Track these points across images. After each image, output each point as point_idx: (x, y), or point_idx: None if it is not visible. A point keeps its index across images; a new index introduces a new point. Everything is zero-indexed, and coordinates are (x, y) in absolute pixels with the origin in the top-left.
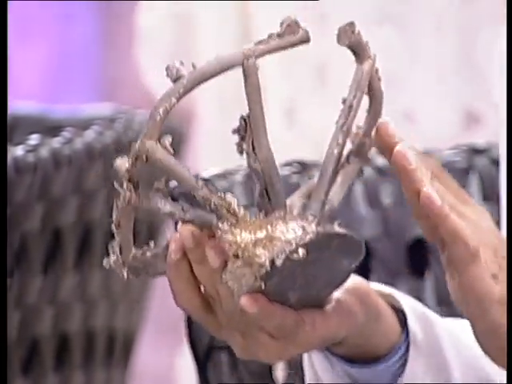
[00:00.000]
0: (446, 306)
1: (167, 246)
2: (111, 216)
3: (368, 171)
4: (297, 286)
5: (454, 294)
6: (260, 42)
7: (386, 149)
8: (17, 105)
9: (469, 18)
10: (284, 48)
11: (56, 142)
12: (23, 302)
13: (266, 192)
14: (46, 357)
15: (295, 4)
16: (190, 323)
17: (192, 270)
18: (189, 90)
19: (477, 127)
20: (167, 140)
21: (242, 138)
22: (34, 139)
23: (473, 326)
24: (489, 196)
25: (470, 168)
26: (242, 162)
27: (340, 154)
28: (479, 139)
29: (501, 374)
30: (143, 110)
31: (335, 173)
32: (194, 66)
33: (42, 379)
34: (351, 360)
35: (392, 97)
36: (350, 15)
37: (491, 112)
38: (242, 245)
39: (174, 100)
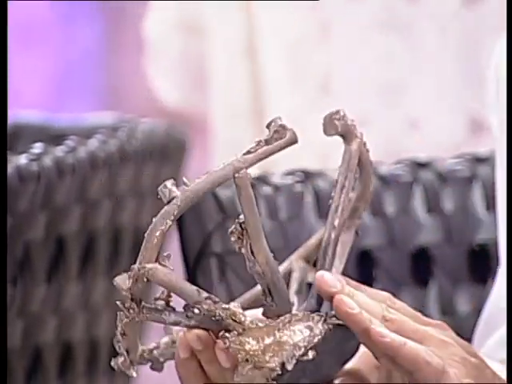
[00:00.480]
0: (450, 316)
1: (173, 341)
2: (115, 225)
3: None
4: (307, 373)
5: None
6: (248, 152)
7: (328, 298)
8: (20, 114)
9: (473, 26)
10: (273, 153)
11: (59, 151)
12: (27, 310)
13: (268, 291)
14: (50, 365)
15: (301, 12)
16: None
17: (201, 365)
18: (183, 209)
19: (481, 134)
20: (166, 259)
21: (239, 240)
22: (37, 148)
23: None
24: (492, 205)
25: (473, 177)
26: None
27: (337, 236)
28: (484, 147)
29: None
30: (149, 118)
31: (334, 255)
32: (185, 184)
33: (45, 379)
34: None
35: (395, 104)
36: (354, 22)
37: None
38: (251, 352)
39: (169, 222)
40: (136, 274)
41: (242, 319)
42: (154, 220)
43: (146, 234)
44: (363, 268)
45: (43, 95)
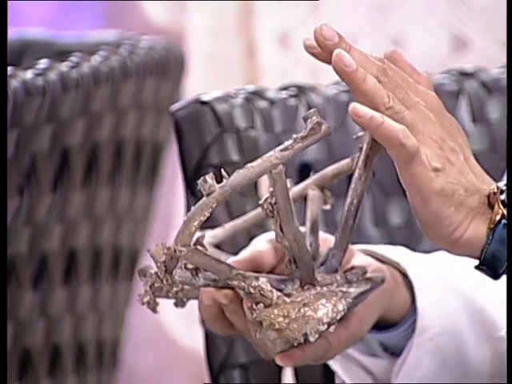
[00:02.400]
0: None
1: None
2: (117, 138)
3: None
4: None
5: (404, 187)
6: (285, 148)
7: (328, 53)
8: (26, 31)
9: None
10: (308, 146)
11: (64, 66)
12: (33, 219)
13: (294, 261)
14: (55, 272)
15: None
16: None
17: (222, 311)
18: (220, 203)
19: (465, 51)
20: (200, 239)
21: (270, 213)
22: (42, 63)
23: (417, 218)
24: (477, 118)
25: (459, 91)
26: (237, 85)
27: (359, 203)
28: (468, 63)
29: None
30: (147, 36)
31: (355, 221)
32: (225, 178)
33: (51, 292)
34: None
35: (380, 23)
36: None
37: (479, 37)
38: (276, 324)
39: (206, 214)
40: (171, 254)
41: (270, 295)
42: (192, 208)
43: (184, 221)
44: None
45: (49, 14)
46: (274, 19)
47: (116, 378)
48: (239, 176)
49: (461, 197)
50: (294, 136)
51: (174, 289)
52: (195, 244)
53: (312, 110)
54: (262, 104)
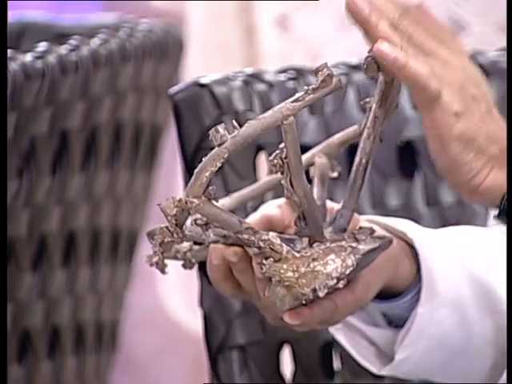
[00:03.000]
0: (435, 206)
1: (207, 245)
2: (116, 120)
3: (360, 77)
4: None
5: (424, 133)
6: (297, 100)
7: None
8: (26, 13)
9: None
10: (318, 98)
11: (63, 49)
12: (32, 201)
13: (303, 217)
14: (54, 254)
15: None
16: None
17: (231, 271)
18: (232, 153)
19: (461, 35)
20: (211, 191)
21: (280, 168)
22: (42, 46)
23: (437, 163)
24: None
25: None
26: (236, 68)
27: (367, 162)
28: (464, 46)
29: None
30: (146, 19)
31: (364, 179)
32: (236, 128)
33: (50, 274)
34: None
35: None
36: None
37: (475, 20)
38: (286, 278)
39: (218, 164)
40: (183, 206)
41: (280, 249)
42: (203, 159)
43: (195, 172)
44: (352, 160)
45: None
46: (273, 2)
47: (115, 359)
48: (251, 127)
49: (481, 144)
50: (306, 87)
51: (184, 248)
52: (206, 196)
53: (323, 63)
54: (261, 87)
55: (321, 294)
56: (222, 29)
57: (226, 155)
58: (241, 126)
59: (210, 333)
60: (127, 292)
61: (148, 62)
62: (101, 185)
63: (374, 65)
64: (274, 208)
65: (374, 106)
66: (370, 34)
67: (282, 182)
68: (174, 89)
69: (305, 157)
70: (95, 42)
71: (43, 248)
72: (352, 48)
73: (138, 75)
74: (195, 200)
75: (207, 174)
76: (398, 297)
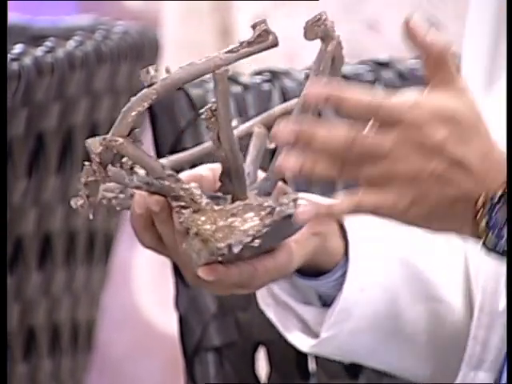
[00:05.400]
0: None
1: (131, 195)
2: (91, 122)
3: (388, 75)
4: (251, 250)
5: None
6: (231, 51)
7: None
8: None
9: None
10: (253, 54)
11: (39, 51)
12: (8, 203)
13: (228, 173)
14: (30, 255)
15: None
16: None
17: (153, 222)
18: (161, 95)
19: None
20: (137, 133)
21: (209, 121)
22: (17, 48)
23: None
24: None
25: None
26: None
27: None
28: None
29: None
30: (121, 21)
31: None
32: (167, 71)
33: (26, 275)
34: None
35: (356, 8)
36: None
37: (451, 22)
38: (202, 230)
39: (146, 105)
40: (107, 144)
41: (199, 200)
42: (131, 99)
43: (122, 111)
44: None
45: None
46: (249, 4)
47: (91, 359)
48: (182, 71)
49: (444, 211)
50: (241, 40)
51: (109, 195)
52: (131, 137)
53: (262, 19)
54: (236, 89)
55: (235, 250)
56: (198, 30)
57: (154, 96)
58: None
59: (186, 334)
60: (103, 293)
61: (124, 64)
62: (76, 186)
63: (314, 29)
64: (205, 169)
65: (311, 74)
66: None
67: (209, 135)
68: None
69: (245, 126)
70: (71, 43)
71: (19, 249)
72: None
73: (114, 77)
74: (119, 139)
75: (133, 113)
76: (326, 274)
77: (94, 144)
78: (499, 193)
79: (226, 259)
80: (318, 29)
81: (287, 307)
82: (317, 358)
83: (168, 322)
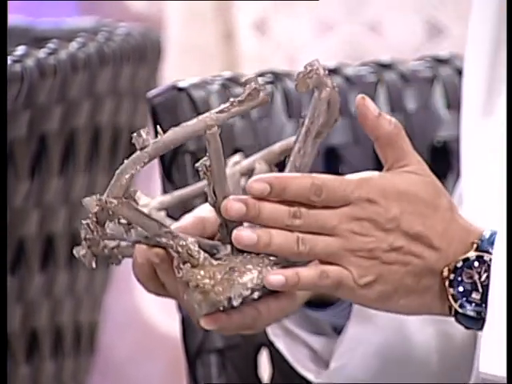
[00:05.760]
0: None
1: (134, 243)
2: (94, 124)
3: (391, 76)
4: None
5: None
6: (221, 111)
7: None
8: None
9: None
10: (244, 112)
11: (41, 53)
12: (10, 206)
13: (225, 225)
14: (33, 258)
15: None
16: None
17: (156, 271)
18: (153, 158)
19: (439, 38)
20: (132, 194)
21: (205, 175)
22: (20, 50)
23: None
24: (452, 104)
25: (434, 77)
26: (214, 72)
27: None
28: (442, 50)
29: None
30: (124, 23)
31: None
32: (160, 134)
33: (28, 277)
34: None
35: (357, 10)
36: None
37: (454, 24)
38: (201, 285)
39: (138, 167)
40: (102, 205)
41: (197, 256)
42: (125, 161)
43: (116, 173)
44: (330, 165)
45: (24, 3)
46: (251, 6)
47: (93, 362)
48: (174, 133)
49: (408, 287)
50: (232, 99)
51: (111, 244)
52: (126, 198)
53: (253, 76)
54: (239, 91)
55: (235, 304)
56: (201, 32)
57: (146, 159)
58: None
59: (189, 336)
60: (105, 295)
61: (126, 66)
62: (79, 188)
63: (306, 81)
64: (207, 210)
65: (306, 121)
66: (268, 251)
67: (205, 189)
68: (152, 92)
69: (246, 161)
70: (73, 45)
71: (21, 251)
72: (330, 52)
73: (116, 79)
74: (114, 201)
75: (127, 176)
76: (334, 304)
77: (91, 203)
78: (460, 260)
79: (227, 308)
80: (309, 80)
81: (296, 337)
82: None
83: (170, 324)
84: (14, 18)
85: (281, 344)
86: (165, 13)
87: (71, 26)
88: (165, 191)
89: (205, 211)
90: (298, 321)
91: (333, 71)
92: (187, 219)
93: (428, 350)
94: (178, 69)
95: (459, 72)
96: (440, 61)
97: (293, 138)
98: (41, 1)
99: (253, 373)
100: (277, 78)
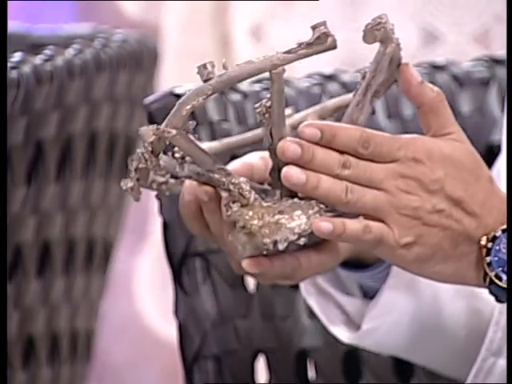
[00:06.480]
0: None
1: (182, 181)
2: (91, 130)
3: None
4: (296, 246)
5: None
6: (289, 51)
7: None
8: None
9: None
10: (311, 55)
11: (38, 59)
12: (7, 212)
13: (278, 170)
14: (29, 264)
15: None
16: (165, 231)
17: (202, 210)
18: (217, 91)
19: (435, 45)
20: (190, 126)
21: (263, 116)
22: (16, 56)
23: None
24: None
25: (431, 83)
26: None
27: None
28: (438, 57)
29: None
30: (120, 29)
31: None
32: (224, 67)
33: (25, 284)
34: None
35: (353, 16)
36: None
37: (449, 30)
38: (249, 224)
39: (201, 100)
40: (159, 135)
41: (248, 195)
42: (187, 92)
43: (177, 103)
44: None
45: (22, 8)
46: (247, 12)
47: (90, 368)
48: (239, 69)
49: (445, 252)
50: (300, 41)
51: (160, 179)
52: (184, 129)
53: (322, 21)
54: (235, 97)
55: (280, 247)
56: (197, 39)
57: (210, 92)
58: (215, 137)
59: (185, 342)
60: (102, 302)
61: (123, 72)
62: (76, 195)
63: (374, 33)
64: (256, 158)
65: (368, 75)
66: (314, 196)
67: (262, 130)
68: (149, 99)
69: (299, 115)
70: (70, 52)
71: (18, 258)
72: (326, 58)
73: (113, 85)
74: (173, 131)
75: (188, 107)
76: (371, 267)
77: (147, 132)
78: (499, 230)
79: (270, 252)
80: (377, 32)
81: (329, 297)
82: (316, 366)
83: (168, 329)
84: (11, 25)
85: (313, 302)
86: (161, 19)
87: (68, 32)
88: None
89: (253, 158)
90: (330, 280)
91: (329, 77)
92: (236, 164)
93: (458, 324)
94: (174, 75)
95: (455, 78)
96: (436, 67)
97: (347, 96)
98: (39, 4)
99: (250, 379)
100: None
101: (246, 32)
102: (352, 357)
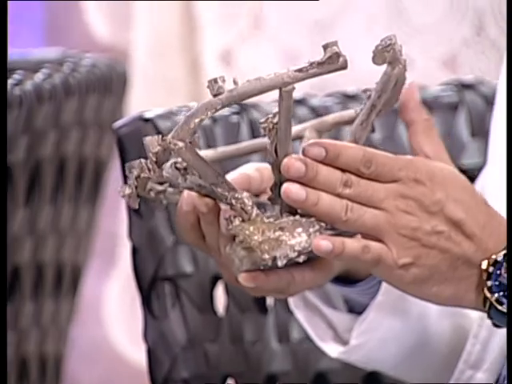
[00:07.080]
0: None
1: (180, 191)
2: (59, 155)
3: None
4: (298, 259)
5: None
6: (300, 70)
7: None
8: None
9: None
10: (322, 74)
11: (7, 84)
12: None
13: (279, 186)
14: (25, 286)
15: None
16: (134, 255)
17: (199, 221)
18: (225, 106)
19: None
20: (197, 139)
21: (269, 132)
22: None
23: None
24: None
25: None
26: (180, 103)
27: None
28: (408, 81)
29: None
30: (89, 53)
31: None
32: (235, 83)
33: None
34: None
35: (322, 40)
36: None
37: (419, 55)
38: (249, 239)
39: (209, 113)
40: (165, 146)
41: (250, 210)
42: (196, 105)
43: (185, 116)
44: None
45: None
46: (217, 37)
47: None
48: (249, 85)
49: (444, 274)
50: (311, 60)
51: (158, 188)
52: (191, 142)
53: (334, 41)
54: (205, 121)
55: (279, 264)
56: (166, 63)
57: (219, 106)
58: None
59: (154, 366)
60: (71, 326)
61: (92, 97)
62: (44, 219)
63: (383, 54)
64: (253, 170)
65: (373, 95)
66: (313, 213)
67: (267, 146)
68: (118, 123)
69: (296, 128)
70: (39, 76)
71: (16, 279)
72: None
73: (82, 110)
74: (179, 143)
75: (197, 120)
76: (360, 282)
77: (152, 142)
78: (501, 254)
79: (266, 267)
80: (387, 54)
81: (317, 311)
82: None
83: (137, 354)
84: None
85: (301, 316)
86: (131, 44)
87: (37, 56)
88: (131, 223)
89: (250, 169)
90: (318, 293)
91: (298, 102)
92: (233, 175)
93: (442, 342)
94: (143, 99)
95: (424, 103)
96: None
97: (346, 112)
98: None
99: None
100: (243, 108)
101: (215, 56)
102: (321, 381)
